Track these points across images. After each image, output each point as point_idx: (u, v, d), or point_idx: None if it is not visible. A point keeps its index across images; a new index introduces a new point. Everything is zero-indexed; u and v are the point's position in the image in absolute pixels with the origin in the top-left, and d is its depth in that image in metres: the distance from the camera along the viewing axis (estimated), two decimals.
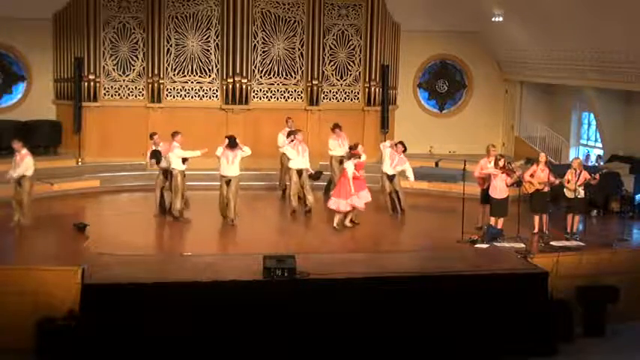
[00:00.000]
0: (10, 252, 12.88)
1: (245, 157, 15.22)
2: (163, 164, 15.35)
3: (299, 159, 15.79)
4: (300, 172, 15.81)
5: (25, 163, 14.16)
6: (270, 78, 20.19)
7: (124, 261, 12.21)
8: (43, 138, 19.26)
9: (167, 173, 15.35)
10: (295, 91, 20.35)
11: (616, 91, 18.18)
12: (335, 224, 14.84)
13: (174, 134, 15.35)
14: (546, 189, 14.45)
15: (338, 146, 17.11)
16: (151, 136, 15.75)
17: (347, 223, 15.03)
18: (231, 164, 14.93)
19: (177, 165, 15.17)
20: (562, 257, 12.80)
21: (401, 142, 16.47)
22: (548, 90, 21.66)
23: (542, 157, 14.71)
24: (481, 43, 21.69)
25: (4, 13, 18.32)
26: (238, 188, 15.11)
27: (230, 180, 14.96)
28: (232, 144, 14.96)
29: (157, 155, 15.27)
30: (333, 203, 14.83)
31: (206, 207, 15.84)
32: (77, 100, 19.09)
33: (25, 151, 14.32)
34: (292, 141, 15.96)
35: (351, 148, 15.37)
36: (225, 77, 19.75)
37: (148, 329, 10.78)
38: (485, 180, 14.69)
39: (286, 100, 20.31)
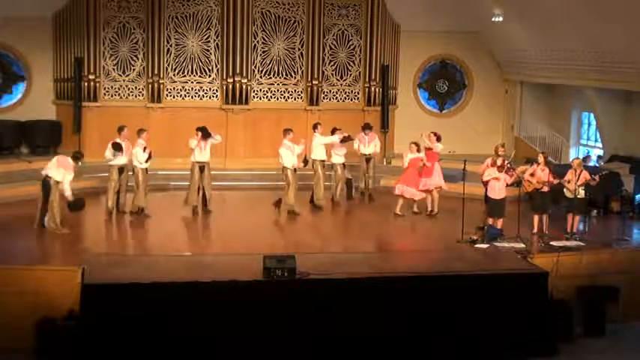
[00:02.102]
0: (10, 252, 12.87)
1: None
2: (121, 160, 15.31)
3: (293, 158, 15.88)
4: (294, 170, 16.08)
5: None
6: (270, 78, 20.19)
7: (124, 261, 12.21)
8: (43, 138, 19.28)
9: (122, 171, 15.40)
10: (295, 91, 20.36)
11: (616, 91, 18.19)
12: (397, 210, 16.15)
13: (139, 132, 15.48)
14: (546, 189, 14.45)
15: (363, 147, 17.61)
16: (122, 129, 15.53)
17: (397, 210, 16.04)
18: (204, 150, 15.66)
19: (138, 163, 15.26)
20: (562, 257, 12.79)
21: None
22: (548, 90, 21.68)
23: (541, 157, 14.72)
24: (481, 43, 21.70)
25: (4, 13, 18.33)
26: (210, 176, 15.85)
27: (204, 166, 15.65)
28: (206, 135, 15.65)
29: (119, 147, 15.21)
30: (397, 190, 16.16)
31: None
32: (77, 100, 19.10)
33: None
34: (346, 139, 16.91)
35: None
36: (225, 77, 19.75)
37: (148, 329, 10.77)
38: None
39: (286, 100, 20.32)
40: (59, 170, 13.92)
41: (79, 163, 14.45)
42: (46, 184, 13.88)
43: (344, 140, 17.02)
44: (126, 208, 15.43)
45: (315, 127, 17.07)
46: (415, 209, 16.25)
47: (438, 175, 16.20)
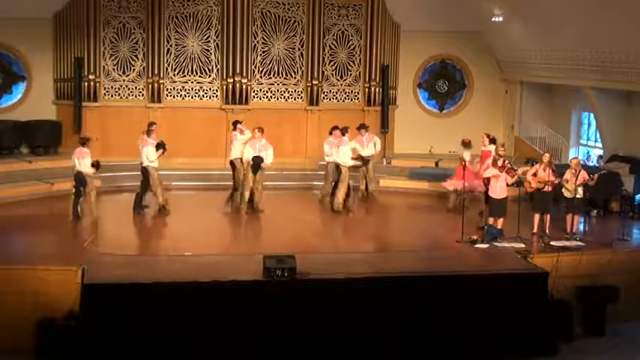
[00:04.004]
0: (10, 252, 12.87)
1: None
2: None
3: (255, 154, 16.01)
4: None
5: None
6: (270, 78, 20.19)
7: (124, 261, 12.22)
8: (43, 138, 19.26)
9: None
10: (295, 91, 20.35)
11: (616, 91, 18.18)
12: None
13: (149, 132, 15.69)
14: (547, 188, 14.44)
15: (362, 148, 17.37)
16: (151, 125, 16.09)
17: (450, 205, 16.56)
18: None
19: (149, 162, 15.50)
20: (562, 257, 12.80)
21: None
22: (548, 90, 21.66)
23: (546, 157, 14.60)
24: (481, 43, 21.69)
25: (4, 13, 18.32)
26: None
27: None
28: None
29: (164, 146, 15.67)
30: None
31: (201, 206, 15.88)
32: (77, 100, 19.10)
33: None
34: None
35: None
36: (225, 77, 19.75)
37: (148, 329, 10.78)
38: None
39: (286, 100, 20.31)
40: (79, 161, 14.80)
41: (89, 144, 15.16)
42: (80, 178, 14.80)
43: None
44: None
45: (344, 132, 16.64)
46: (450, 205, 16.37)
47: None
